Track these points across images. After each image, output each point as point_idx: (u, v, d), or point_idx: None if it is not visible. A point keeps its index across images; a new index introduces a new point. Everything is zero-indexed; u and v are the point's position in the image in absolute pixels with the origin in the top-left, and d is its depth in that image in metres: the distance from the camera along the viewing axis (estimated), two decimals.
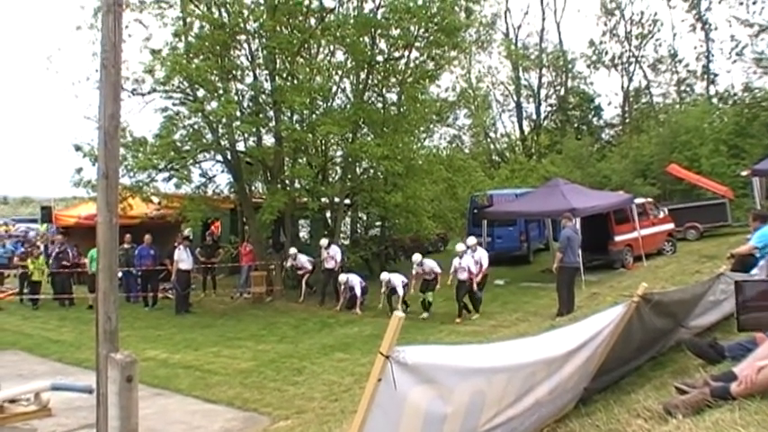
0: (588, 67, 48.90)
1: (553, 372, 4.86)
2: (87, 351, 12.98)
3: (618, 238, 23.79)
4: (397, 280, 20.20)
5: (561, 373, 4.94)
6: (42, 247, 25.45)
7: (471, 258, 19.40)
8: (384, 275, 20.74)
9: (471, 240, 20.23)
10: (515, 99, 49.56)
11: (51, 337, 17.99)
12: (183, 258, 21.60)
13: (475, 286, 19.14)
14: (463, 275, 19.10)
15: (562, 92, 49.52)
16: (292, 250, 23.30)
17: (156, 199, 24.52)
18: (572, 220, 18.32)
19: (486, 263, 19.77)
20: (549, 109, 50.38)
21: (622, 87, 48.80)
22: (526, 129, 50.44)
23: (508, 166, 44.55)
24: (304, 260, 23.23)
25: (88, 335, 13.44)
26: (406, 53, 25.01)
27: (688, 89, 47.26)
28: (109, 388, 7.00)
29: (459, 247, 20.07)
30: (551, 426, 5.40)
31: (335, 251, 22.44)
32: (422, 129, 28.24)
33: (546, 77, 49.54)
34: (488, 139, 49.53)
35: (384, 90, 26.03)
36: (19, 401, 11.39)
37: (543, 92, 49.74)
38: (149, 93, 23.05)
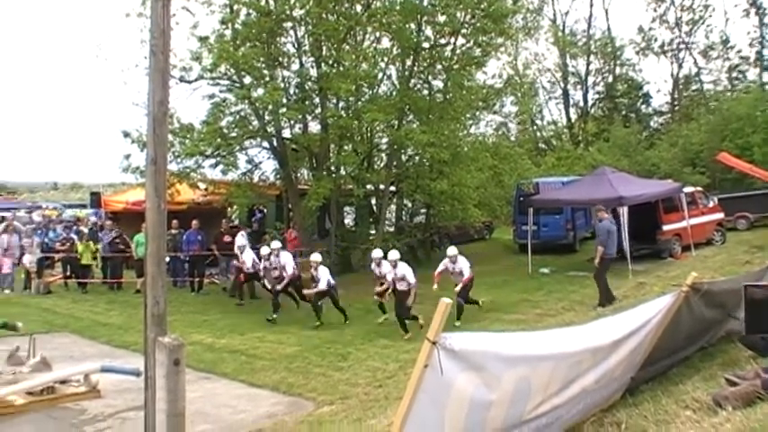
0: (637, 53, 48.17)
1: (600, 361, 4.82)
2: (135, 334, 13.17)
3: (666, 228, 23.43)
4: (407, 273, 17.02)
5: (608, 362, 4.90)
6: (87, 232, 25.82)
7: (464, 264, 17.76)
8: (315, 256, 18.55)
9: (452, 251, 18.03)
10: (562, 86, 49.05)
11: (100, 320, 18.26)
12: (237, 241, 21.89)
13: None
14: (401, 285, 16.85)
15: (610, 79, 48.82)
16: (275, 244, 19.99)
17: (202, 185, 24.72)
18: (608, 212, 18.21)
19: (467, 273, 17.62)
20: (596, 96, 49.73)
21: (672, 74, 48.03)
22: (573, 116, 49.92)
23: (554, 153, 44.16)
24: (288, 259, 19.54)
25: (136, 318, 13.63)
26: (453, 40, 24.86)
27: (740, 76, 46.28)
28: (157, 371, 7.10)
29: (451, 250, 18.18)
30: (597, 415, 5.36)
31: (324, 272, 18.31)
32: (468, 116, 28.06)
33: (594, 64, 48.89)
34: (535, 127, 49.09)
35: (430, 77, 25.89)
36: (69, 383, 11.60)
37: (591, 79, 49.11)
38: (196, 80, 23.27)
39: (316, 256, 18.60)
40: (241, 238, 21.26)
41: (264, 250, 19.71)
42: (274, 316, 18.22)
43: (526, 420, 4.35)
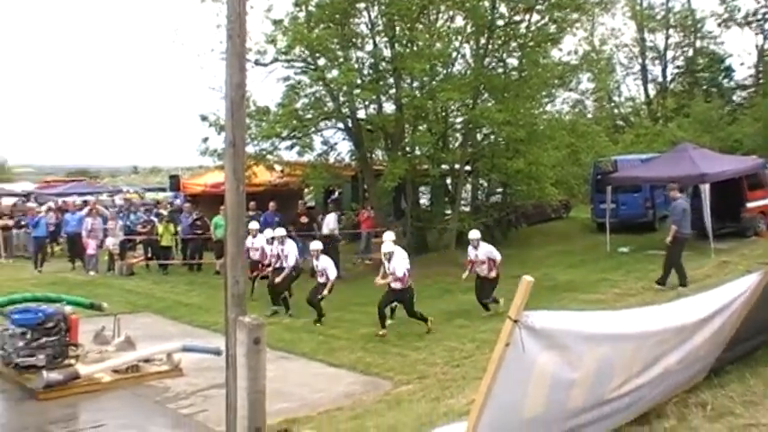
0: (719, 25, 46.55)
1: (683, 340, 4.73)
2: (215, 314, 13.43)
3: (750, 205, 22.75)
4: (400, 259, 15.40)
5: (692, 342, 4.81)
6: (167, 214, 26.40)
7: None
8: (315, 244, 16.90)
9: (473, 234, 16.73)
10: (640, 61, 47.88)
11: (181, 300, 18.68)
12: (327, 222, 22.15)
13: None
14: (483, 270, 16.09)
15: (690, 53, 47.45)
16: (279, 231, 18.20)
17: (278, 167, 24.99)
18: (682, 191, 17.83)
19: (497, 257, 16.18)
20: (675, 71, 48.38)
21: (756, 46, 46.28)
22: (651, 92, 48.72)
23: (633, 130, 43.20)
24: (292, 249, 17.93)
25: (216, 299, 13.88)
26: (527, 16, 24.49)
27: None
28: (237, 350, 7.22)
29: (473, 234, 16.74)
30: (681, 396, 5.26)
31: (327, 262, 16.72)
32: (543, 94, 27.64)
33: (673, 38, 47.51)
34: (612, 104, 48.11)
35: (504, 55, 25.58)
36: (152, 361, 11.92)
37: (670, 53, 47.75)
38: (271, 63, 23.47)
39: (316, 244, 17.12)
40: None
41: (267, 233, 18.33)
42: (275, 308, 17.12)
43: (608, 400, 4.30)
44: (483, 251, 16.17)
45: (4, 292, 15.41)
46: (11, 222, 27.81)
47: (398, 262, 15.13)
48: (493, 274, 15.93)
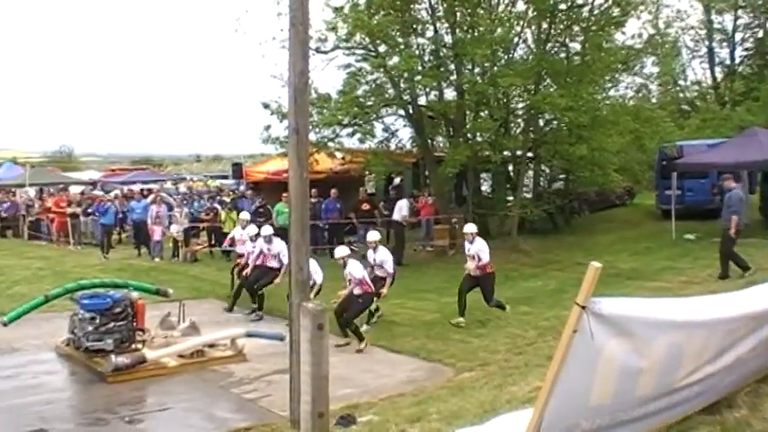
0: None
1: (756, 328, 4.62)
2: (278, 301, 13.55)
3: None
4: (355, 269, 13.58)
5: (765, 329, 4.69)
6: (230, 201, 26.73)
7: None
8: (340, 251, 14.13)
9: (469, 228, 15.36)
10: (707, 44, 46.70)
11: None
12: (400, 208, 22.19)
13: None
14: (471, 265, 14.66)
15: (760, 34, 46.17)
16: (266, 230, 16.55)
17: (339, 154, 25.08)
18: (737, 180, 17.34)
19: (485, 258, 14.57)
20: (744, 53, 47.10)
21: None
22: (719, 75, 47.51)
23: (699, 115, 42.27)
24: (282, 247, 15.74)
25: (279, 285, 14.02)
26: (590, 0, 24.17)
27: None
28: (301, 335, 7.30)
29: (469, 227, 15.37)
30: (753, 386, 5.15)
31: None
32: (607, 78, 27.22)
33: (742, 19, 46.26)
34: (677, 88, 47.14)
35: (567, 39, 25.25)
36: (217, 346, 12.09)
37: (738, 35, 46.41)
38: (332, 50, 23.53)
39: (373, 235, 15.59)
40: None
41: (251, 230, 16.66)
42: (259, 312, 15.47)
43: (677, 389, 4.23)
44: (476, 247, 14.64)
45: (72, 278, 15.78)
46: (79, 210, 28.45)
47: (482, 246, 14.54)
48: (478, 272, 14.44)
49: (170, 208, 25.92)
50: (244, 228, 17.20)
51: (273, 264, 15.75)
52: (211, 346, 12.06)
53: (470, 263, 14.49)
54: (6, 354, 12.35)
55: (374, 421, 8.26)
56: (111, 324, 11.68)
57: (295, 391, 7.75)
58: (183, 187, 42.73)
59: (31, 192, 34.59)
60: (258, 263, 15.94)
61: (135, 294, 12.51)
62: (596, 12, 24.34)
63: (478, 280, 14.46)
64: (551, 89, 23.68)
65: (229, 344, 12.14)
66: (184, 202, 27.93)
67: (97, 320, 11.63)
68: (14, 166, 49.01)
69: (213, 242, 24.67)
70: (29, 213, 30.98)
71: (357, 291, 13.24)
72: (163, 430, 8.90)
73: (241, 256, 17.18)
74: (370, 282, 13.53)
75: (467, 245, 14.90)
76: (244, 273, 16.10)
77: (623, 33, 26.78)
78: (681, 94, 47.27)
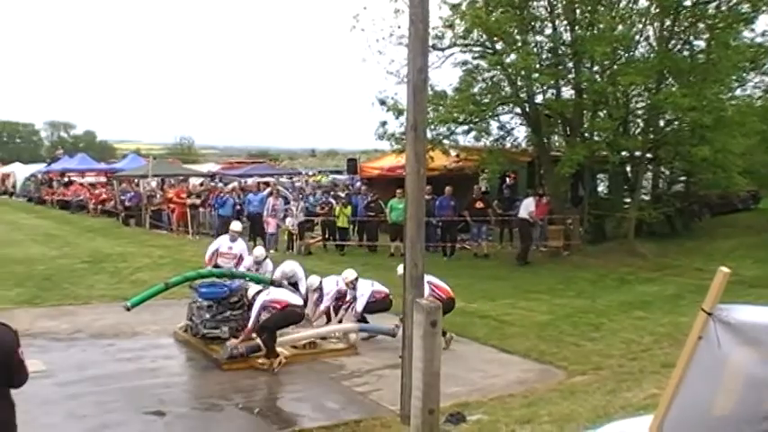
0: None
1: None
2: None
3: None
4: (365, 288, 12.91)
5: None
6: (343, 196, 27.06)
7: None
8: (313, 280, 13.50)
9: (350, 276, 13.12)
10: None
11: None
12: (527, 206, 22.07)
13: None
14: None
15: None
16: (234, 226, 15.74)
17: (453, 152, 25.02)
18: None
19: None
20: None
21: None
22: None
23: None
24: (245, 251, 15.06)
25: (390, 281, 14.08)
26: None
27: None
28: (414, 331, 7.33)
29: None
30: None
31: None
32: (733, 77, 26.25)
33: None
34: None
35: (691, 37, 24.47)
36: (329, 339, 12.28)
37: None
38: (448, 47, 23.46)
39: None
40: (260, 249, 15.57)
41: (238, 246, 15.00)
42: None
43: None
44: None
45: (191, 266, 16.25)
46: (198, 201, 29.34)
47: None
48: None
49: (286, 201, 26.44)
50: (234, 240, 14.99)
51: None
52: (323, 338, 12.27)
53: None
54: (128, 337, 12.91)
55: (484, 421, 8.23)
56: (228, 313, 12.05)
57: (406, 386, 7.79)
58: (298, 181, 43.52)
59: (153, 183, 35.84)
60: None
61: (251, 284, 12.83)
62: (723, 8, 23.50)
63: None
64: (673, 88, 23.00)
65: (341, 337, 12.33)
66: (300, 196, 28.43)
67: (214, 309, 12.02)
68: (138, 158, 51.03)
69: (327, 236, 25.04)
70: (151, 203, 32.16)
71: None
72: (274, 419, 9.09)
73: None
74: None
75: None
76: None
77: (752, 30, 25.77)
78: None
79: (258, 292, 11.73)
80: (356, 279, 13.05)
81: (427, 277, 11.35)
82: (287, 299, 11.50)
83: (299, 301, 11.70)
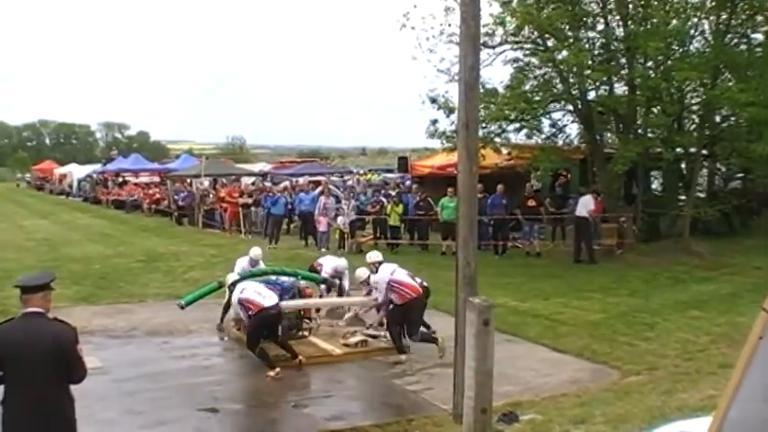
0: None
1: None
2: (441, 295, 13.56)
3: None
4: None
5: None
6: (395, 195, 27.09)
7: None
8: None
9: (374, 256, 13.29)
10: None
11: None
12: (585, 204, 21.91)
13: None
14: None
15: None
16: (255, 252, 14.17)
17: (505, 150, 24.89)
18: None
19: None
20: None
21: None
22: None
23: None
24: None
25: (441, 279, 14.07)
26: None
27: None
28: (467, 330, 7.32)
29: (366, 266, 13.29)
30: None
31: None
32: None
33: None
34: None
35: (749, 30, 24.01)
36: (380, 338, 12.30)
37: None
38: (499, 45, 23.33)
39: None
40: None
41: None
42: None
43: None
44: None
45: None
46: (250, 200, 29.62)
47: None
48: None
49: (338, 200, 26.57)
50: (253, 266, 13.71)
51: None
52: (375, 337, 12.29)
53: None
54: (182, 335, 13.11)
55: (537, 420, 8.18)
56: None
57: (459, 385, 7.78)
58: (349, 180, 43.70)
59: (206, 182, 36.25)
60: None
61: (303, 283, 12.93)
62: None
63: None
64: (730, 83, 22.59)
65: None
66: (351, 194, 28.56)
67: None
68: (190, 158, 51.71)
69: (379, 234, 25.12)
70: (203, 203, 32.56)
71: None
72: (326, 416, 9.14)
73: None
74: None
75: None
76: None
77: None
78: None
79: (234, 283, 11.76)
80: (380, 262, 12.63)
81: (391, 275, 11.81)
82: (261, 302, 10.85)
83: (272, 301, 10.99)
